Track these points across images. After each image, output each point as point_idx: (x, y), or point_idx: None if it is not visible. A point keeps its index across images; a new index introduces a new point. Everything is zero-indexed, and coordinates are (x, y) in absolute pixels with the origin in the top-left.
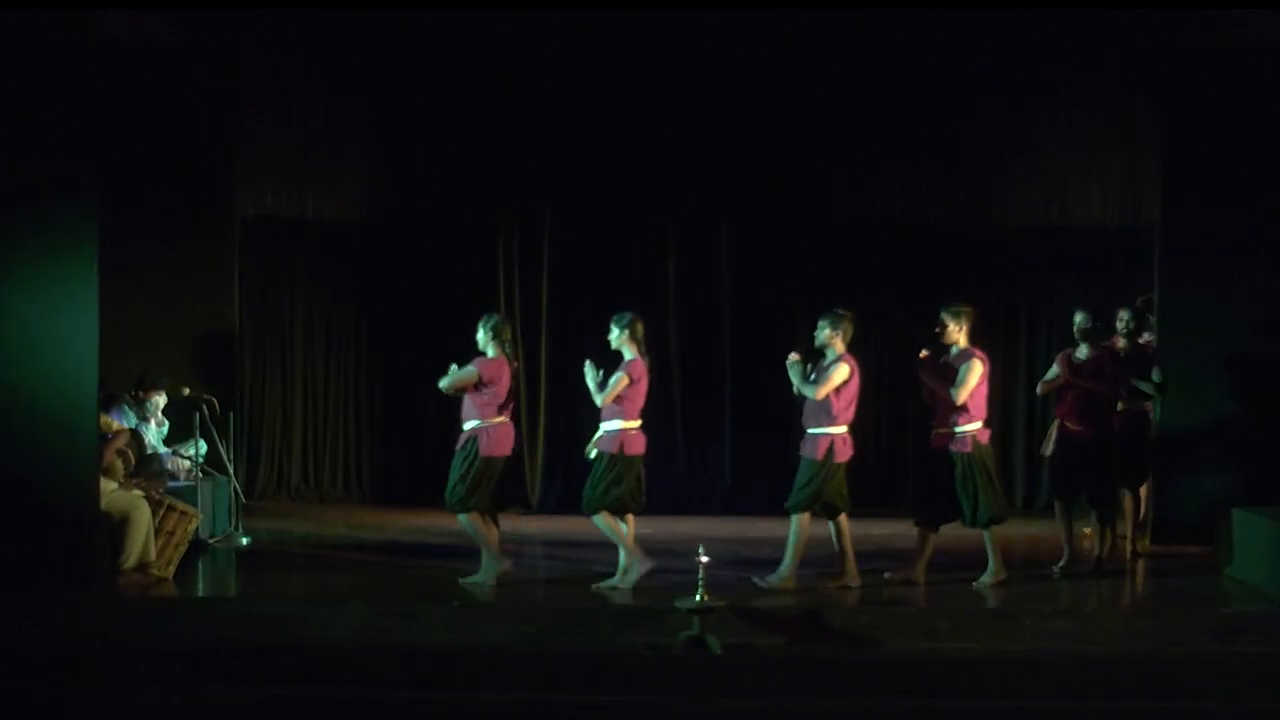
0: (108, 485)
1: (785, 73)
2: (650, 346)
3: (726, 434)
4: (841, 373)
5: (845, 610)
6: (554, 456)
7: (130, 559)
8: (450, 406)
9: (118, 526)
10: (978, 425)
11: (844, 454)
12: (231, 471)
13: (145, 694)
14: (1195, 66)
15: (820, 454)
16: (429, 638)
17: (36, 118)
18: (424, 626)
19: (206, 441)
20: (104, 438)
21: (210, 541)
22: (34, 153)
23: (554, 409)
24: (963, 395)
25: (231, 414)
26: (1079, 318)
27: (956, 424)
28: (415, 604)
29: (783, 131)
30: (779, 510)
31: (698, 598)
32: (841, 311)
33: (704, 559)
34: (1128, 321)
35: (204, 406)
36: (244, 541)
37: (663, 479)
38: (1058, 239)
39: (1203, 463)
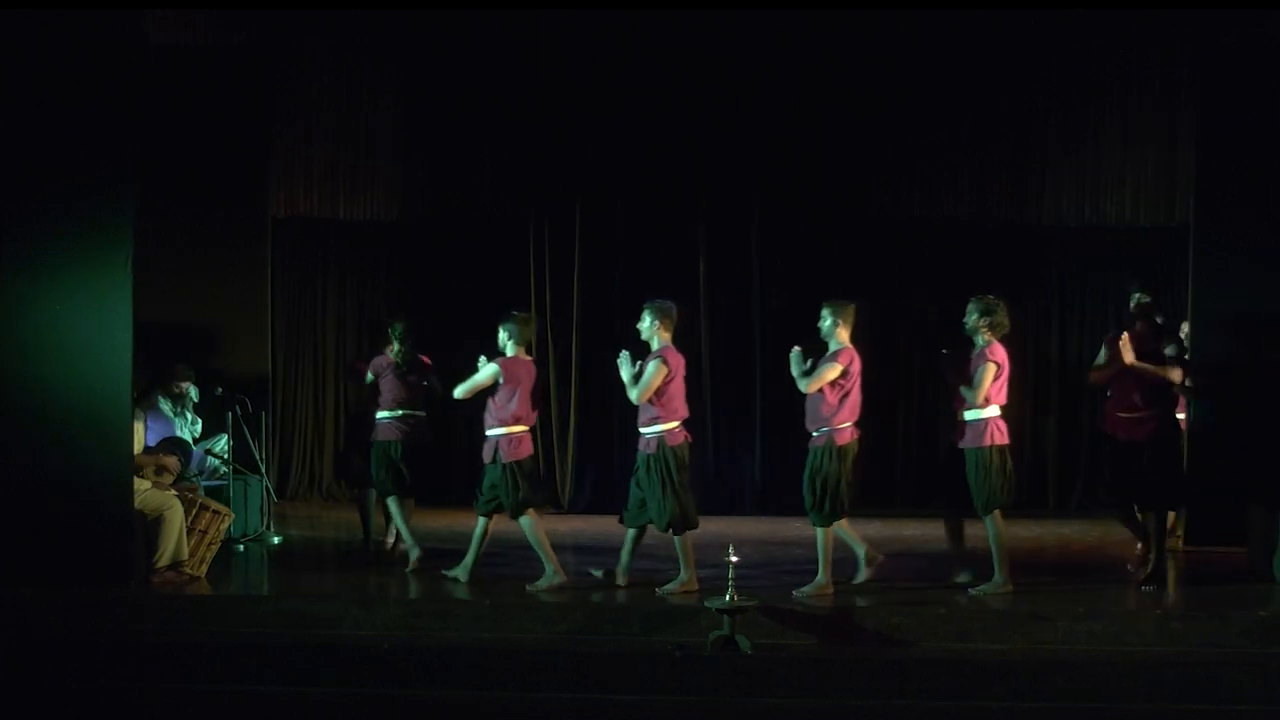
0: (141, 484)
1: (819, 69)
2: (680, 342)
3: (757, 433)
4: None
5: (877, 611)
6: (585, 456)
7: (164, 557)
8: (480, 405)
9: (151, 525)
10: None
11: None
12: (264, 471)
13: (178, 690)
14: (1230, 67)
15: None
16: (460, 637)
17: (74, 118)
18: (455, 626)
19: (239, 441)
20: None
21: (242, 541)
22: (71, 153)
23: (585, 408)
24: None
25: (264, 414)
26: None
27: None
28: (447, 603)
29: (817, 127)
30: (803, 510)
31: (728, 598)
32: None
33: (734, 559)
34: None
35: (236, 406)
36: (276, 540)
37: (693, 478)
38: (1090, 238)
39: (1236, 464)
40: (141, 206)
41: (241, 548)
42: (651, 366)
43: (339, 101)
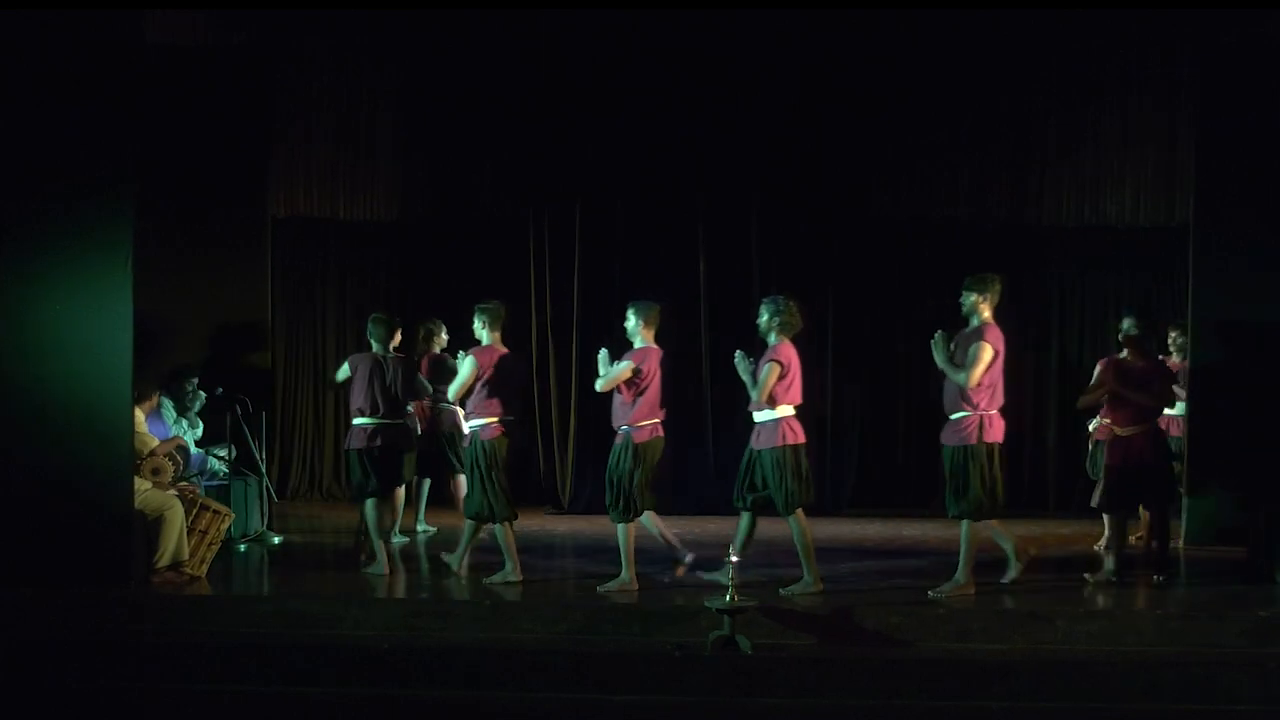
0: (142, 485)
1: (819, 69)
2: (681, 342)
3: None
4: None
5: (876, 611)
6: (585, 456)
7: (164, 557)
8: None
9: (151, 525)
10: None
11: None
12: (264, 471)
13: (178, 690)
14: (1230, 67)
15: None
16: (460, 637)
17: (74, 118)
18: (455, 626)
19: (239, 441)
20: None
21: (242, 541)
22: (71, 154)
23: (584, 407)
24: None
25: (264, 414)
26: (1126, 323)
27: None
28: (446, 603)
29: (817, 127)
30: (807, 510)
31: (728, 598)
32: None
33: (734, 559)
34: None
35: (236, 406)
36: (276, 541)
37: (693, 478)
38: (1090, 238)
39: (1236, 464)
40: (141, 206)
41: (242, 548)
42: (621, 365)
43: (339, 101)
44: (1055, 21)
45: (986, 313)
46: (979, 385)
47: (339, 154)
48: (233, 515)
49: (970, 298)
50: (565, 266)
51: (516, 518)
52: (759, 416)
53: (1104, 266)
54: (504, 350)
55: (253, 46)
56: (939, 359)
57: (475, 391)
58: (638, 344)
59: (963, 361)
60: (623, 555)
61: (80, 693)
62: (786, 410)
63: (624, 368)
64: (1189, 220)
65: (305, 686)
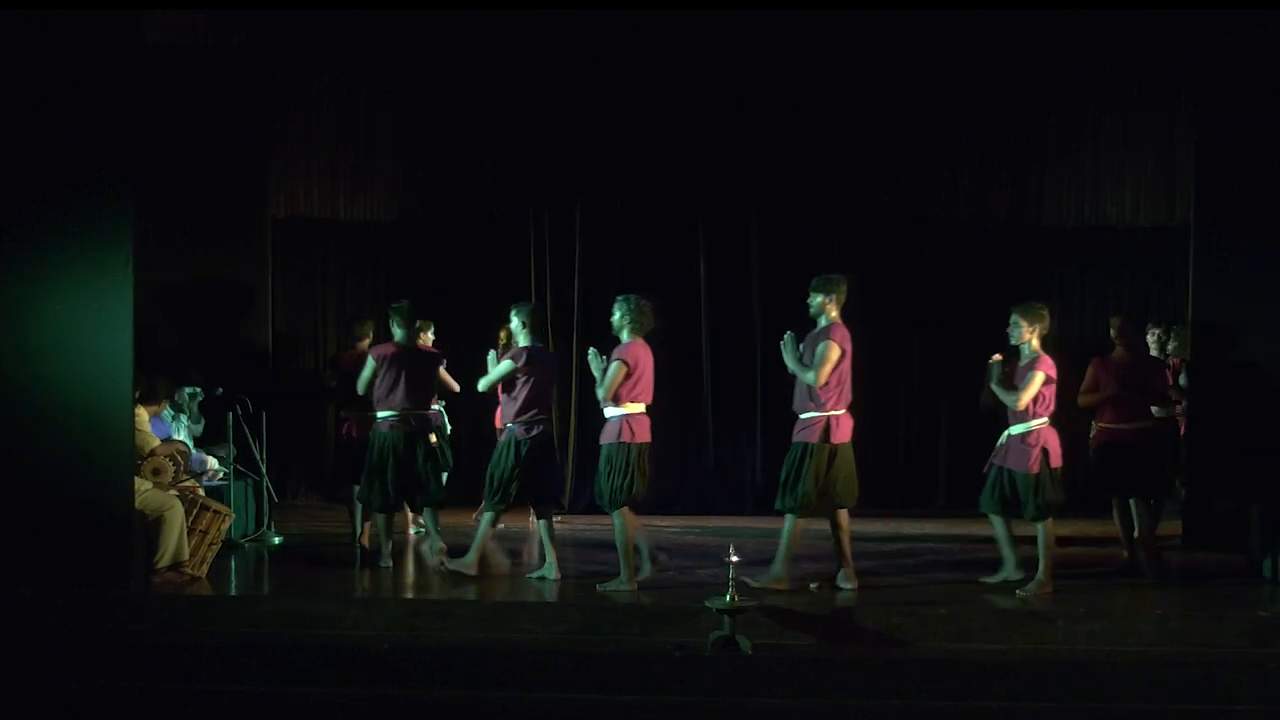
0: (142, 485)
1: (819, 69)
2: (680, 343)
3: (757, 431)
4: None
5: (876, 611)
6: (586, 456)
7: (164, 558)
8: (481, 404)
9: (152, 525)
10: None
11: None
12: (264, 471)
13: (178, 690)
14: (1230, 67)
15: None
16: (460, 637)
17: (73, 118)
18: (455, 626)
19: (239, 441)
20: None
21: (243, 541)
22: (71, 154)
23: (585, 407)
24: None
25: (264, 414)
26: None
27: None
28: (446, 603)
29: (817, 127)
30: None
31: (728, 598)
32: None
33: (734, 559)
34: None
35: (237, 406)
36: (276, 541)
37: (693, 477)
38: (1090, 238)
39: (1235, 465)
40: (141, 206)
41: (243, 547)
42: (613, 367)
43: (339, 101)
44: (1055, 21)
45: (834, 313)
46: (828, 385)
47: (339, 154)
48: (233, 515)
49: (817, 299)
50: (565, 266)
51: (391, 511)
52: (607, 412)
53: (1104, 267)
54: (409, 347)
55: (253, 46)
56: (788, 360)
57: (377, 386)
58: (521, 342)
59: (810, 361)
60: (476, 540)
61: (80, 693)
62: (633, 409)
63: (506, 366)
64: (1189, 220)
65: (305, 687)
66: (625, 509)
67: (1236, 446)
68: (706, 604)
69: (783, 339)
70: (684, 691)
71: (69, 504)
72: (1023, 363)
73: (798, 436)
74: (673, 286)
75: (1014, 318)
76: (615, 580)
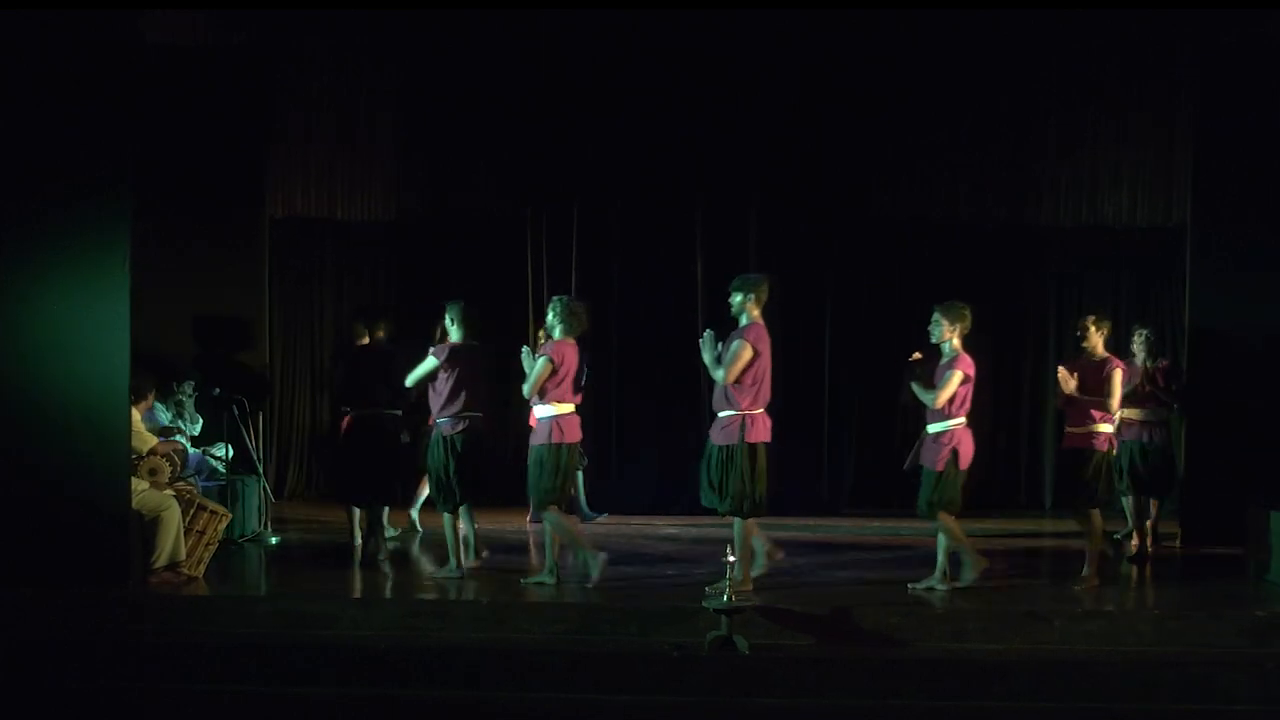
0: (139, 484)
1: (819, 69)
2: (679, 343)
3: None
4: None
5: (873, 611)
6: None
7: (161, 558)
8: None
9: (148, 525)
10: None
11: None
12: (261, 471)
13: (177, 690)
14: (1230, 67)
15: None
16: (458, 637)
17: (72, 118)
18: (453, 626)
19: (236, 441)
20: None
21: (240, 541)
22: (69, 154)
23: (582, 407)
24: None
25: (261, 414)
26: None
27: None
28: (444, 603)
29: (817, 127)
30: (807, 510)
31: (725, 598)
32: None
33: (731, 559)
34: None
35: (234, 406)
36: (273, 541)
37: (690, 478)
38: (1088, 238)
39: (1233, 464)
40: (140, 207)
41: (240, 547)
42: (539, 363)
43: (337, 101)
44: (1055, 21)
45: (755, 312)
46: (742, 385)
47: (337, 154)
48: (230, 515)
49: (737, 298)
50: (563, 266)
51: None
52: (537, 413)
53: (1102, 266)
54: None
55: (252, 46)
56: (706, 357)
57: (438, 386)
58: (453, 338)
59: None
60: (449, 544)
61: (78, 693)
62: (562, 409)
63: (429, 364)
64: (1187, 220)
65: (304, 687)
66: (554, 508)
67: (1234, 446)
68: (704, 604)
69: (702, 336)
70: (682, 691)
71: (66, 504)
72: (943, 361)
73: (716, 438)
74: (671, 286)
75: (935, 316)
76: (537, 576)
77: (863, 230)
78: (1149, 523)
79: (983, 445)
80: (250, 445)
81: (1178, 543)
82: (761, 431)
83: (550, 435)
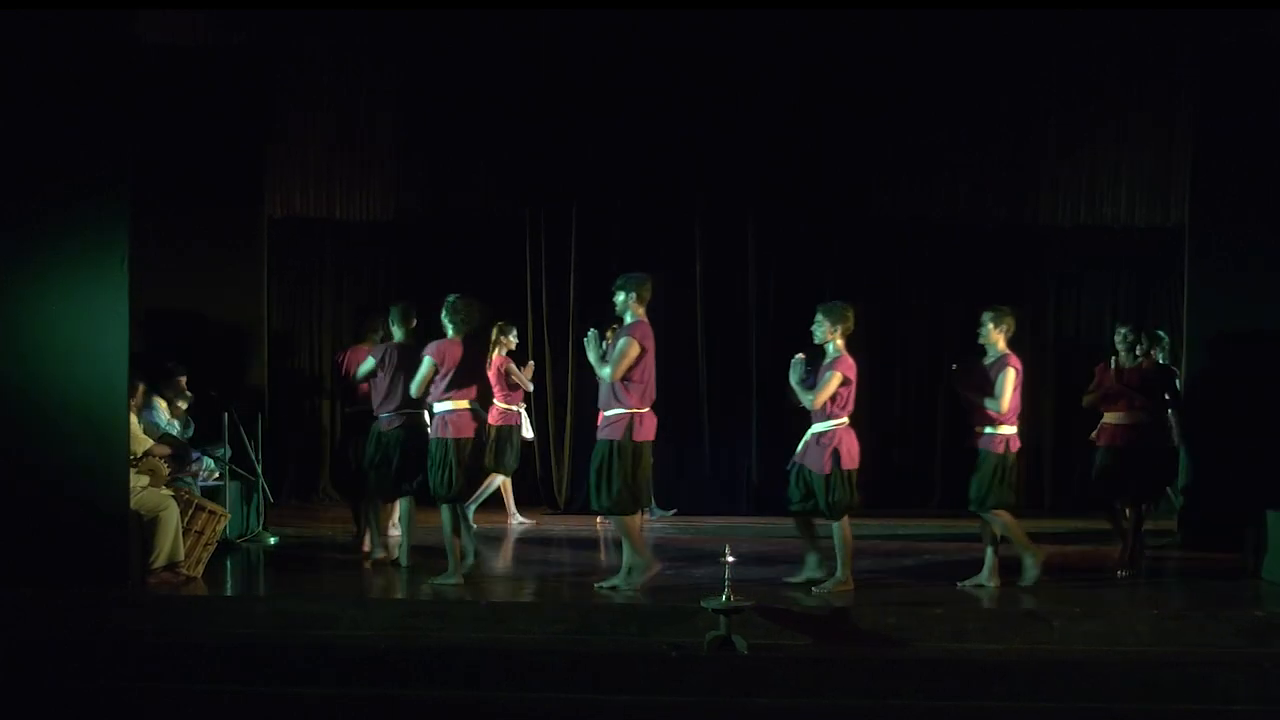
0: (136, 483)
1: (819, 69)
2: (678, 343)
3: (753, 432)
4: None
5: (872, 611)
6: (581, 456)
7: (160, 558)
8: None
9: (147, 525)
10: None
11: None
12: (260, 472)
13: (176, 690)
14: (1229, 67)
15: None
16: (457, 637)
17: (71, 118)
18: (452, 626)
19: (234, 442)
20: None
21: (239, 541)
22: (68, 154)
23: (581, 407)
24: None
25: (260, 415)
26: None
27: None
28: (443, 603)
29: (817, 127)
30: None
31: (724, 598)
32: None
33: (730, 559)
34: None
35: (232, 407)
36: (272, 541)
37: (689, 478)
38: (1087, 238)
39: (1232, 466)
40: (139, 206)
41: (239, 548)
42: (424, 362)
43: (336, 101)
44: (1055, 21)
45: (639, 311)
46: (630, 382)
47: (335, 154)
48: (228, 515)
49: (620, 296)
50: (562, 266)
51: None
52: (435, 407)
53: (1101, 267)
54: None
55: (251, 46)
56: (591, 355)
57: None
58: (396, 338)
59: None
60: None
61: (78, 693)
62: (454, 405)
63: (369, 364)
64: (1185, 220)
65: (303, 687)
66: (450, 503)
67: (1233, 446)
68: (703, 604)
69: (587, 334)
70: (681, 691)
71: (65, 504)
72: (825, 362)
73: (603, 434)
74: (670, 286)
75: (818, 316)
76: (444, 574)
77: (862, 230)
78: (1130, 531)
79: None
80: (248, 446)
81: (1176, 548)
82: (649, 430)
83: (439, 430)
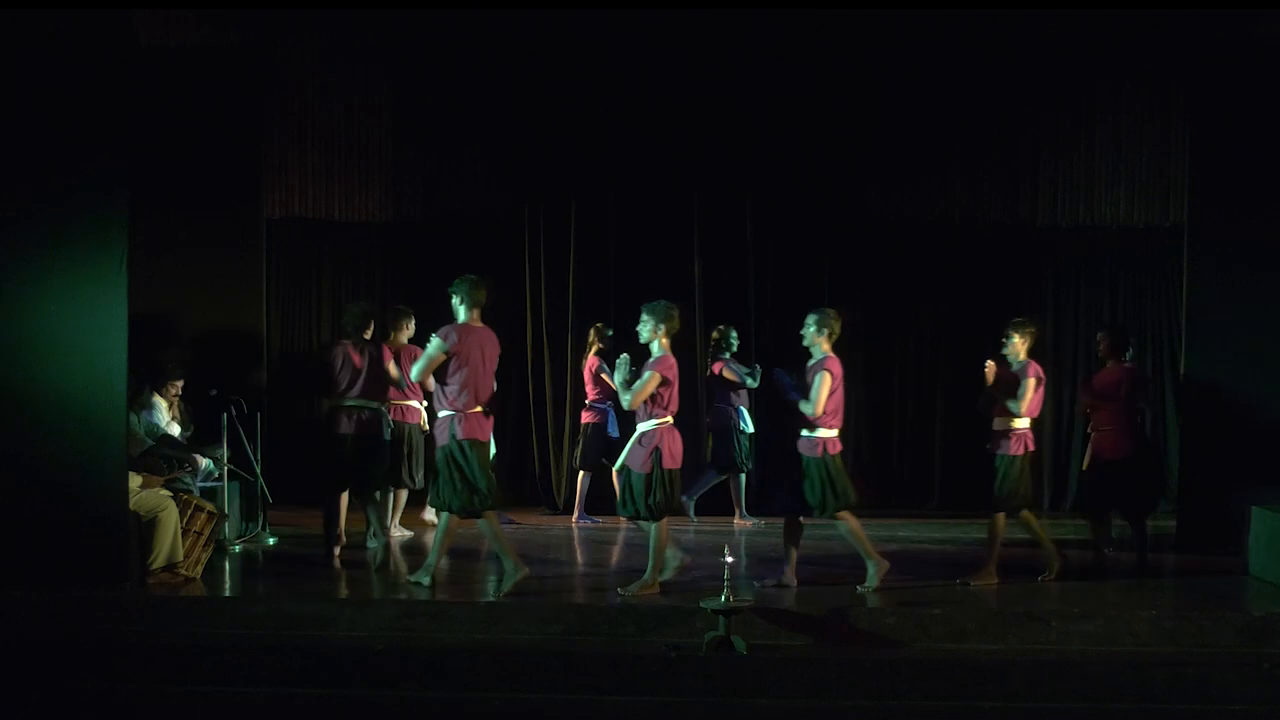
0: (135, 483)
1: (817, 70)
2: (676, 343)
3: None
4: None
5: (871, 611)
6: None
7: (158, 559)
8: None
9: (146, 526)
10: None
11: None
12: (258, 472)
13: (174, 691)
14: (1226, 68)
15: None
16: (454, 638)
17: (67, 119)
18: (449, 627)
19: (233, 442)
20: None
21: (238, 542)
22: (66, 154)
23: (579, 408)
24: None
25: (258, 415)
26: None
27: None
28: (441, 604)
29: (814, 128)
30: (804, 511)
31: (723, 598)
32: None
33: (729, 559)
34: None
35: (231, 407)
36: (270, 542)
37: (688, 476)
38: (1085, 238)
39: (1229, 465)
40: (137, 207)
41: (237, 549)
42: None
43: (335, 101)
44: (1053, 22)
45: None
46: (448, 385)
47: (334, 154)
48: (227, 516)
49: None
50: (560, 266)
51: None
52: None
53: (1099, 267)
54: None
55: (248, 46)
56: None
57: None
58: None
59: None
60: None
61: (77, 693)
62: (347, 402)
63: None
64: (1182, 220)
65: (300, 688)
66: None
67: (1231, 446)
68: (701, 604)
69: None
70: (679, 692)
71: (65, 505)
72: (648, 362)
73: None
74: (668, 286)
75: (643, 316)
76: (421, 569)
77: (859, 230)
78: (1101, 536)
79: (978, 445)
80: (247, 446)
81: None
82: (473, 429)
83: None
